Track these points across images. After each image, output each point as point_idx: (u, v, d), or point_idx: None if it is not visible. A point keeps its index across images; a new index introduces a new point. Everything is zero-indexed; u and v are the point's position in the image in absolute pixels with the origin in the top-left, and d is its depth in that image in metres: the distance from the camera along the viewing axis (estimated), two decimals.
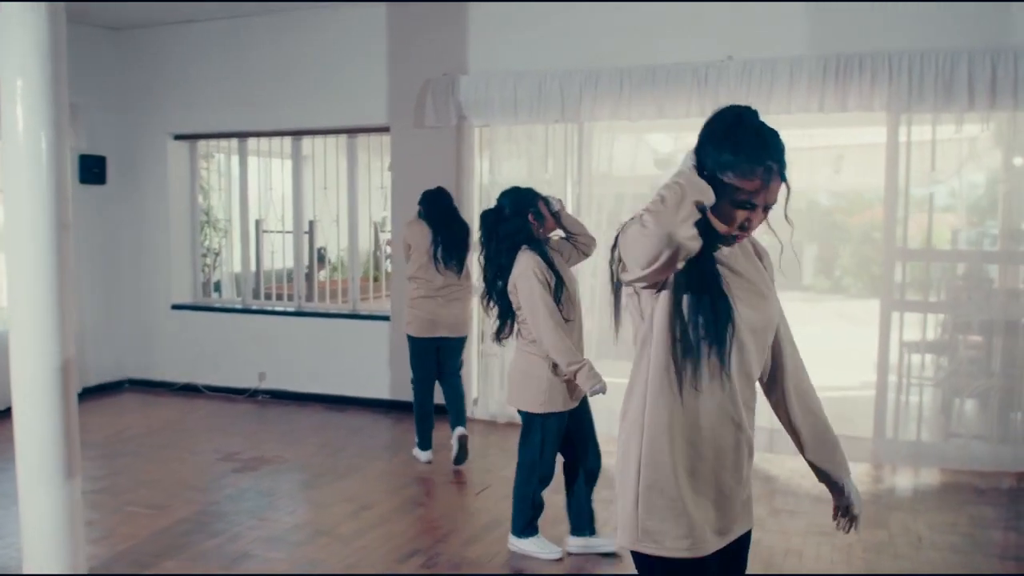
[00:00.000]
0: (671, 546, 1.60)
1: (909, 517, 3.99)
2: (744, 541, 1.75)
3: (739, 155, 1.53)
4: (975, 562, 3.48)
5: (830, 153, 7.79)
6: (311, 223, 6.65)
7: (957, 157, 4.77)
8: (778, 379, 1.78)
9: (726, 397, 1.63)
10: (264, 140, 6.58)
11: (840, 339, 6.75)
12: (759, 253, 1.77)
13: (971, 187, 4.97)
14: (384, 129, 5.99)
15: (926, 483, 4.54)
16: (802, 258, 8.12)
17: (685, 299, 1.58)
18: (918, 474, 4.68)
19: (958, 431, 4.86)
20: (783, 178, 1.59)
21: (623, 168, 5.69)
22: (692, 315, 1.58)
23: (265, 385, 6.39)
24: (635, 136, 5.81)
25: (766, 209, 1.59)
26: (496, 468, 4.73)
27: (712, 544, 1.65)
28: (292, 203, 6.53)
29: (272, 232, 6.76)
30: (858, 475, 4.58)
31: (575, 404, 3.38)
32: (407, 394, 5.89)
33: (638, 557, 1.66)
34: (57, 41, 2.89)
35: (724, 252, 1.64)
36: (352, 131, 6.19)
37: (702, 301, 1.57)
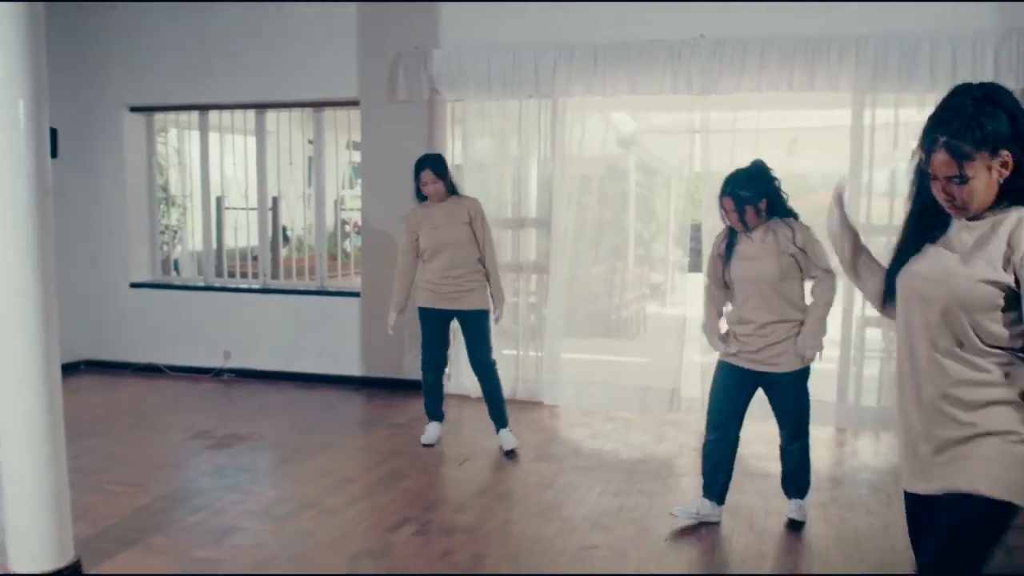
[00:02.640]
0: None
1: (876, 477, 4.18)
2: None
3: None
4: None
5: (784, 136, 7.98)
6: (275, 200, 6.52)
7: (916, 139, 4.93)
8: None
9: None
10: (226, 114, 6.39)
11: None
12: None
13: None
14: (352, 103, 5.90)
15: (888, 446, 4.75)
16: None
17: None
18: (879, 437, 4.90)
19: None
20: (949, 148, 1.59)
21: (592, 148, 5.71)
22: None
23: (231, 364, 6.26)
24: (603, 115, 5.84)
25: (958, 181, 1.62)
26: (474, 441, 4.76)
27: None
28: (256, 179, 6.39)
29: (235, 209, 6.60)
30: (825, 439, 4.79)
31: None
32: (379, 371, 5.91)
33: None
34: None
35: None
36: (319, 104, 6.08)
37: None
